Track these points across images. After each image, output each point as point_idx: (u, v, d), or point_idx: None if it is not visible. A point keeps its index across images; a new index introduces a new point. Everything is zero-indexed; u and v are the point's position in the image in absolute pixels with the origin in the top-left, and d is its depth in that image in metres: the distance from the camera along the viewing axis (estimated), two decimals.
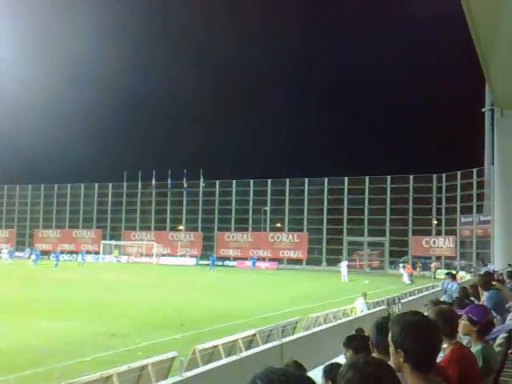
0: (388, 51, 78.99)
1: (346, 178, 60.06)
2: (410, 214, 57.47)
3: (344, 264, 40.64)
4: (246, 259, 61.60)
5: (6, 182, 75.87)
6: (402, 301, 18.11)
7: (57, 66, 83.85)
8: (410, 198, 57.52)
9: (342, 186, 60.29)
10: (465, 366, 3.23)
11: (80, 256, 58.41)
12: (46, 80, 79.55)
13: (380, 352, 2.92)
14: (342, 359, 8.01)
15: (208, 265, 51.29)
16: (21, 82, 73.22)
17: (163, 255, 63.08)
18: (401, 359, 2.18)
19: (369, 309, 16.45)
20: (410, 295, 20.85)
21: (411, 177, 57.70)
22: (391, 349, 2.25)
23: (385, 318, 3.53)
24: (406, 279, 38.66)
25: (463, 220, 53.48)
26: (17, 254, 68.34)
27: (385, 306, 16.38)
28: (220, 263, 60.08)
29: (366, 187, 59.16)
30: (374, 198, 58.57)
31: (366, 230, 59.04)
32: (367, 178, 59.21)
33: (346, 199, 59.88)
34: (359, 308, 16.73)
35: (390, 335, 2.26)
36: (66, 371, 9.51)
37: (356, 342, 4.28)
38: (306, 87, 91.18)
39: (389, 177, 58.39)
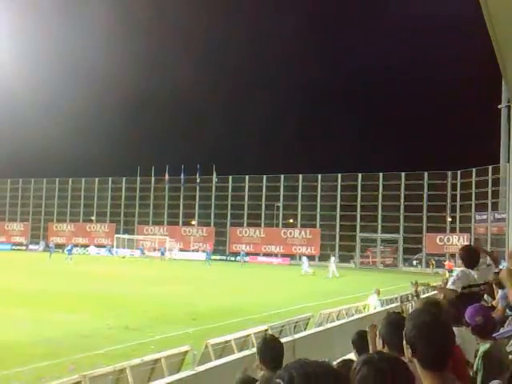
0: (403, 47, 78.27)
1: (360, 175, 59.79)
2: (424, 211, 57.10)
3: (333, 260, 40.42)
4: (258, 255, 61.72)
5: (21, 175, 76.82)
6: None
7: (69, 64, 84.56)
8: (425, 195, 57.15)
9: (355, 182, 60.03)
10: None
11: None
12: (61, 76, 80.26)
13: (393, 349, 2.88)
14: (354, 356, 7.97)
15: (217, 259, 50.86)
16: (35, 79, 73.83)
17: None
18: (409, 354, 2.21)
19: (382, 306, 16.38)
20: (424, 293, 20.69)
21: (426, 173, 57.28)
22: (404, 341, 2.26)
23: (398, 314, 3.48)
24: (329, 274, 38.13)
25: (478, 217, 53.00)
26: (31, 247, 69.30)
27: (398, 303, 16.30)
28: (232, 258, 60.32)
29: (380, 184, 58.85)
30: (388, 194, 58.29)
31: (379, 226, 58.76)
32: (381, 174, 58.89)
33: (359, 195, 59.64)
34: (372, 305, 16.67)
35: (405, 328, 2.27)
36: (79, 363, 9.60)
37: (361, 341, 4.24)
38: (320, 83, 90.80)
39: (403, 173, 58.02)
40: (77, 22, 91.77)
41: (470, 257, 5.48)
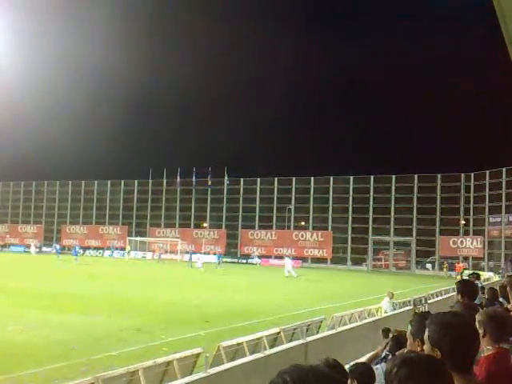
0: (415, 47, 77.99)
1: (372, 177, 59.55)
2: (438, 213, 56.69)
3: (287, 259, 41.79)
4: (269, 257, 61.66)
5: (35, 178, 77.51)
6: (429, 301, 17.84)
7: (80, 67, 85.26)
8: (438, 198, 56.76)
9: (367, 184, 59.79)
10: (495, 369, 3.08)
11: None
12: (72, 80, 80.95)
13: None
14: (367, 358, 7.88)
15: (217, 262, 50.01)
16: (46, 82, 74.54)
17: (187, 252, 63.46)
18: (438, 357, 2.14)
19: (394, 309, 16.25)
20: (437, 296, 20.53)
21: (439, 176, 56.88)
22: (426, 346, 2.22)
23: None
24: (287, 273, 38.74)
25: (492, 220, 52.52)
26: (44, 249, 69.82)
27: (411, 307, 16.16)
28: (244, 261, 60.46)
29: (393, 186, 58.56)
30: (401, 197, 57.99)
31: (392, 229, 58.43)
32: (394, 176, 58.59)
33: (371, 198, 59.39)
34: (384, 308, 16.53)
35: (426, 334, 2.23)
36: (92, 365, 9.63)
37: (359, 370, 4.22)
38: (330, 86, 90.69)
39: (416, 175, 57.69)
40: (85, 24, 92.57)
41: (471, 289, 5.22)
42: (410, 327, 3.18)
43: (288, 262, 40.43)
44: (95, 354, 10.88)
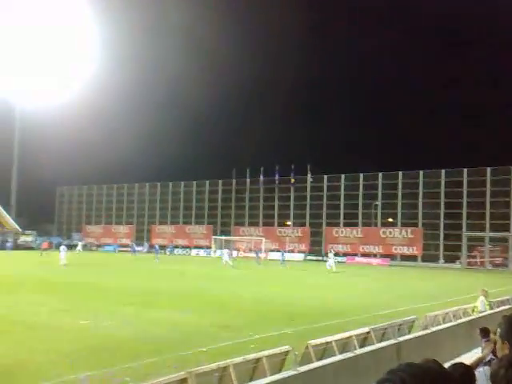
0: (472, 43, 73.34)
1: (465, 170, 56.76)
2: None
3: (331, 255, 42.04)
4: (355, 255, 60.57)
5: (127, 181, 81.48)
6: None
7: (161, 73, 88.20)
8: None
9: (460, 178, 57.07)
10: None
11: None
12: (153, 86, 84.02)
13: None
14: (463, 359, 7.44)
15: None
16: (133, 89, 77.81)
17: (271, 250, 63.83)
18: None
19: (492, 308, 15.32)
20: None
21: None
22: None
23: None
24: (328, 265, 39.52)
25: None
26: (135, 248, 73.16)
27: (510, 306, 15.17)
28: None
29: (488, 179, 55.41)
30: (497, 190, 54.79)
31: (487, 224, 55.33)
32: (488, 169, 55.44)
33: (465, 192, 56.61)
34: (480, 307, 15.64)
35: None
36: (184, 360, 9.84)
37: None
38: (416, 78, 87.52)
39: None
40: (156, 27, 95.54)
41: None
42: (498, 330, 2.92)
43: (332, 258, 41.48)
44: (186, 349, 11.12)
